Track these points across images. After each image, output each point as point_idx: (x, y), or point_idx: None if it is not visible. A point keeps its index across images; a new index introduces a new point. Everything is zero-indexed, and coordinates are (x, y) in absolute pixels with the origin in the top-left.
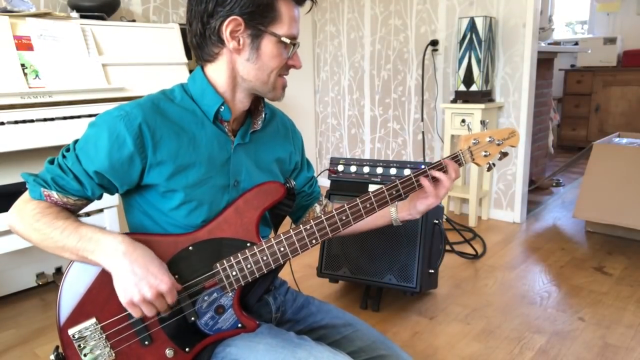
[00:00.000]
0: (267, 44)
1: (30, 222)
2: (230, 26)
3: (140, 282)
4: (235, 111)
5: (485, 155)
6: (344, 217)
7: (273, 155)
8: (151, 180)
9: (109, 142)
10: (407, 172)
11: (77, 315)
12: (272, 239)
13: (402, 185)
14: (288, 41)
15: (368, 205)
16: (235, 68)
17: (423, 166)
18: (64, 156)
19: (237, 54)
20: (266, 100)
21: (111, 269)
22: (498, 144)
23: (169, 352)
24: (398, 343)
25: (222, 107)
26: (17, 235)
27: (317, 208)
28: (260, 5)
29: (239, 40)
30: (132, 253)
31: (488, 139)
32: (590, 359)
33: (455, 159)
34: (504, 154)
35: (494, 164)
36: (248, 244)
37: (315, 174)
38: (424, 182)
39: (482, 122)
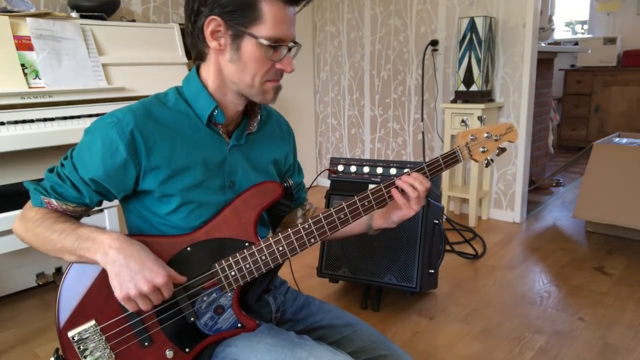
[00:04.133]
0: (247, 46)
1: (31, 227)
2: (210, 26)
3: (136, 276)
4: (229, 113)
5: (483, 151)
6: (342, 216)
7: (270, 156)
8: (147, 186)
9: (102, 149)
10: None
11: (77, 318)
12: (270, 239)
13: (397, 181)
14: (266, 43)
15: (366, 204)
16: (221, 69)
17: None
18: (62, 164)
19: (221, 55)
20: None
21: (107, 265)
22: (496, 140)
23: (168, 353)
24: (398, 343)
25: (216, 111)
26: (23, 242)
27: (299, 212)
28: (240, 4)
29: (220, 41)
30: (127, 249)
31: (486, 135)
32: (590, 359)
33: (453, 155)
34: (502, 150)
35: (492, 160)
36: (246, 244)
37: (316, 174)
38: (395, 193)
39: (480, 118)
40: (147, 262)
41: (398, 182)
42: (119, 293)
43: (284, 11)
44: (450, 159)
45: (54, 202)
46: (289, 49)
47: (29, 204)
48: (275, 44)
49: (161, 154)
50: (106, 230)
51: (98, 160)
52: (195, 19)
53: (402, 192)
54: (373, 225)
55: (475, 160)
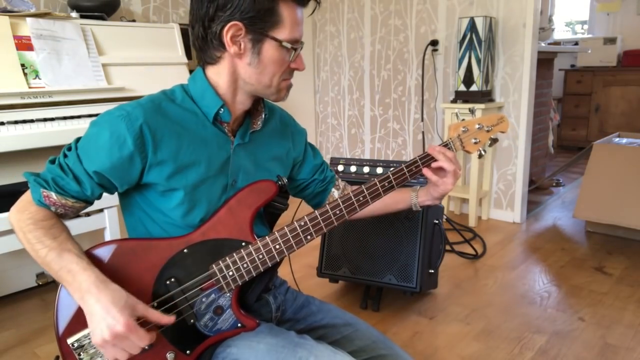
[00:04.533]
0: (269, 49)
1: (24, 230)
2: (230, 31)
3: (100, 323)
4: (235, 112)
5: (475, 143)
6: (337, 212)
7: (270, 153)
8: (151, 179)
9: (109, 142)
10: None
11: (75, 324)
12: (266, 237)
13: (394, 177)
14: (289, 46)
15: (361, 199)
16: (236, 71)
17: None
18: (65, 155)
19: (239, 59)
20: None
21: (84, 309)
22: (487, 130)
23: (169, 356)
24: (398, 343)
25: (222, 110)
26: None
27: (335, 193)
28: (260, 10)
29: (240, 45)
30: (98, 295)
31: (477, 126)
32: (590, 359)
33: (446, 147)
34: (494, 140)
35: (484, 151)
36: (243, 244)
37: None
38: (427, 173)
39: (470, 110)
40: (112, 309)
41: (436, 163)
42: (92, 338)
43: (298, 13)
44: None
45: (53, 195)
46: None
47: (28, 196)
48: (295, 45)
49: (168, 149)
50: (87, 266)
51: (104, 153)
52: (209, 24)
53: (439, 169)
54: (418, 202)
55: (468, 152)
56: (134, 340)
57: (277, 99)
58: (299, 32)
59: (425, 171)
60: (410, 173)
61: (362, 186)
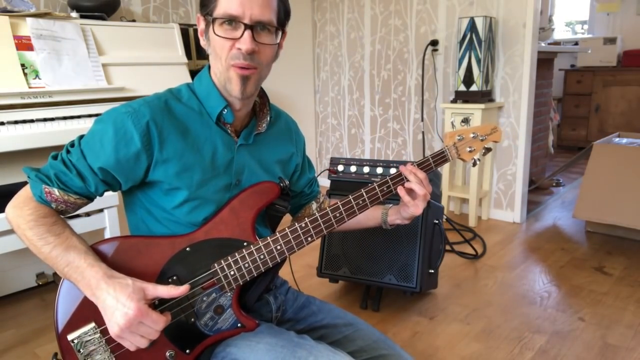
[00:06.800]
0: (212, 31)
1: (24, 227)
2: (199, 25)
3: (114, 313)
4: (237, 113)
5: (470, 151)
6: (337, 215)
7: (275, 156)
8: (156, 177)
9: (115, 138)
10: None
11: (76, 321)
12: (268, 238)
13: (392, 181)
14: (216, 18)
15: (361, 202)
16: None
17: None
18: (68, 151)
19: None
20: (271, 101)
21: (98, 304)
22: (482, 140)
23: (169, 355)
24: (398, 343)
25: (225, 110)
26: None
27: (314, 205)
28: None
29: (204, 36)
30: (108, 289)
31: (472, 135)
32: (590, 359)
33: (442, 155)
34: (488, 150)
35: (479, 159)
36: (245, 244)
37: (316, 174)
38: (400, 192)
39: (465, 120)
40: (122, 297)
41: (407, 184)
42: (110, 332)
43: None
44: (439, 158)
45: (55, 192)
46: (249, 28)
47: (27, 192)
48: (224, 18)
49: (173, 147)
50: (94, 262)
51: (110, 149)
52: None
53: (410, 191)
54: (388, 221)
55: (463, 160)
56: (149, 324)
57: (231, 91)
58: (234, 6)
59: (400, 189)
60: (382, 193)
61: (362, 190)
